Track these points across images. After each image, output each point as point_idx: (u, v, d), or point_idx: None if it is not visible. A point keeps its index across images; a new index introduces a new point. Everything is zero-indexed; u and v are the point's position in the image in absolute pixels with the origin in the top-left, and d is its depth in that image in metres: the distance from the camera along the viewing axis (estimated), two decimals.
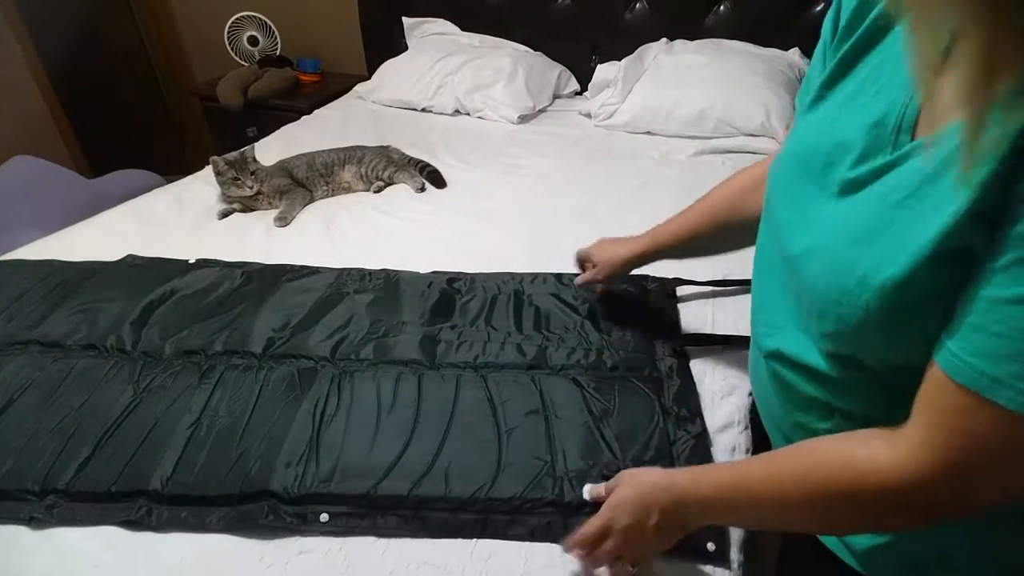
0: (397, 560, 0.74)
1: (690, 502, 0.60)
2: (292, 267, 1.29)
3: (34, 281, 1.24)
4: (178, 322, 1.12)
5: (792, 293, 0.57)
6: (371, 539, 0.76)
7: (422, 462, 0.83)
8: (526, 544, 0.75)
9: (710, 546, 0.74)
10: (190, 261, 1.32)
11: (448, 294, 1.19)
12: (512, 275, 1.25)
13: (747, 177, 0.82)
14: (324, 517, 0.78)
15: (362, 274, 1.26)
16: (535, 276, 1.24)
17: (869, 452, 0.48)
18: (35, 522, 0.78)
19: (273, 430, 0.89)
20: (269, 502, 0.80)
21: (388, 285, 1.22)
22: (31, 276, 1.25)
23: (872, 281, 0.44)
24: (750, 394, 0.94)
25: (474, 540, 0.76)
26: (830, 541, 0.63)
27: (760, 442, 0.90)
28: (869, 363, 0.49)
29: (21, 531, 0.78)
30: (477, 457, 0.84)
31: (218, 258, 1.33)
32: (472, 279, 1.24)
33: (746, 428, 0.91)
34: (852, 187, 0.48)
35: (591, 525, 0.65)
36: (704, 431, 0.88)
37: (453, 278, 1.24)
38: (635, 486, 0.64)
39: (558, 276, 1.23)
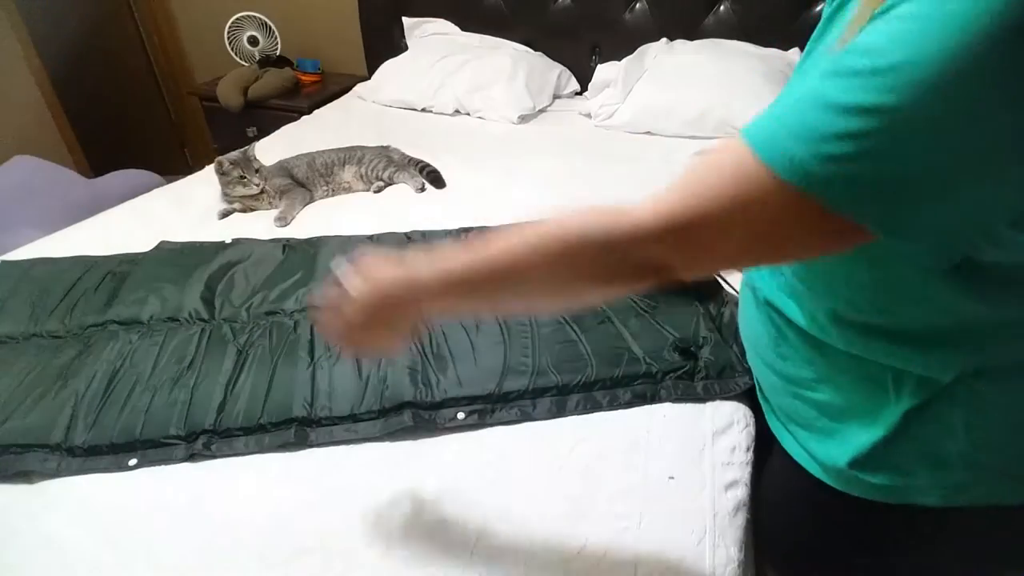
0: (397, 560, 0.74)
1: (424, 286, 0.57)
2: (327, 237, 1.39)
3: (78, 273, 1.26)
4: (244, 291, 1.21)
5: None
6: (371, 540, 0.76)
7: (526, 363, 0.99)
8: (526, 545, 0.76)
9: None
10: (227, 241, 1.39)
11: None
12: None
13: None
14: (460, 415, 0.91)
15: (397, 237, 1.38)
16: None
17: (623, 205, 0.50)
18: (196, 458, 0.87)
19: (386, 361, 0.99)
20: (410, 411, 0.91)
21: (425, 243, 1.34)
22: (71, 270, 1.28)
23: None
24: (748, 380, 0.95)
25: (475, 539, 0.76)
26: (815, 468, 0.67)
27: (760, 439, 0.90)
28: None
29: (20, 530, 0.78)
30: (568, 354, 1.00)
31: (252, 237, 1.41)
32: (503, 228, 1.35)
33: (747, 426, 0.92)
34: None
35: (324, 310, 0.62)
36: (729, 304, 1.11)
37: (484, 229, 1.35)
38: (367, 279, 0.59)
39: None
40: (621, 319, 1.08)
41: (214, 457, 0.88)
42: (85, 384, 0.97)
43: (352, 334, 0.62)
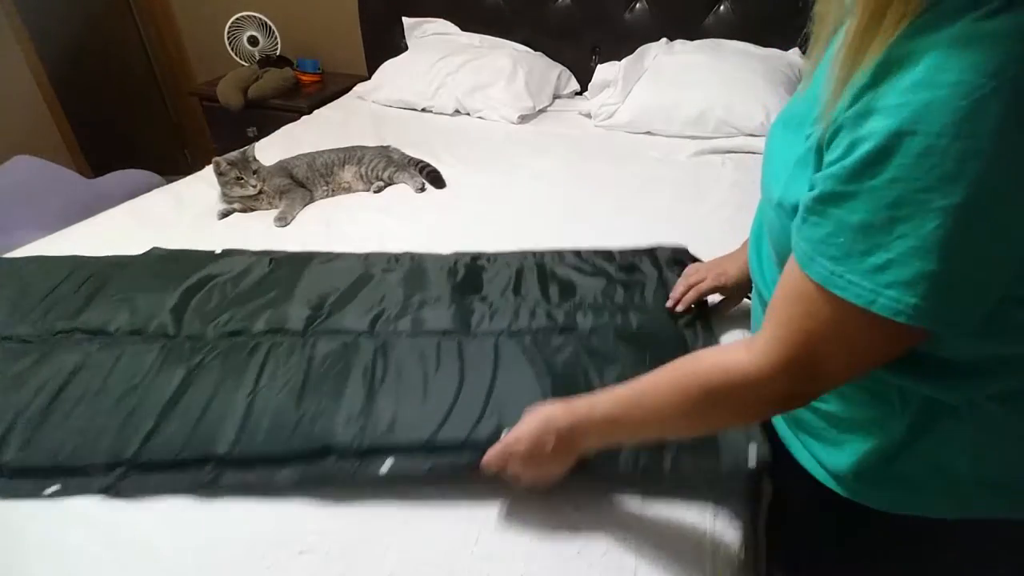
0: (397, 560, 0.74)
1: (584, 426, 0.68)
2: (316, 253, 1.35)
3: (63, 274, 1.26)
4: (217, 307, 1.16)
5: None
6: (371, 540, 0.76)
7: (475, 410, 0.88)
8: (526, 545, 0.75)
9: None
10: (216, 251, 1.35)
11: (475, 269, 1.26)
12: (532, 252, 1.32)
13: None
14: (389, 462, 0.81)
15: (387, 257, 1.32)
16: (555, 253, 1.31)
17: (733, 357, 0.56)
18: (110, 491, 0.82)
19: (329, 395, 0.93)
20: (335, 457, 0.83)
21: (414, 265, 1.29)
22: (58, 270, 1.27)
23: (771, 195, 0.57)
24: None
25: (475, 539, 0.76)
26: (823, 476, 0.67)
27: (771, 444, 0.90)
28: None
29: (22, 530, 0.78)
30: (528, 401, 0.84)
31: (243, 247, 1.37)
32: (494, 256, 1.31)
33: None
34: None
35: (491, 452, 0.74)
36: None
37: (476, 256, 1.31)
38: (536, 417, 0.71)
39: (576, 252, 1.31)
40: (600, 367, 0.97)
41: (123, 496, 0.82)
42: (30, 396, 0.94)
43: (521, 464, 0.72)
